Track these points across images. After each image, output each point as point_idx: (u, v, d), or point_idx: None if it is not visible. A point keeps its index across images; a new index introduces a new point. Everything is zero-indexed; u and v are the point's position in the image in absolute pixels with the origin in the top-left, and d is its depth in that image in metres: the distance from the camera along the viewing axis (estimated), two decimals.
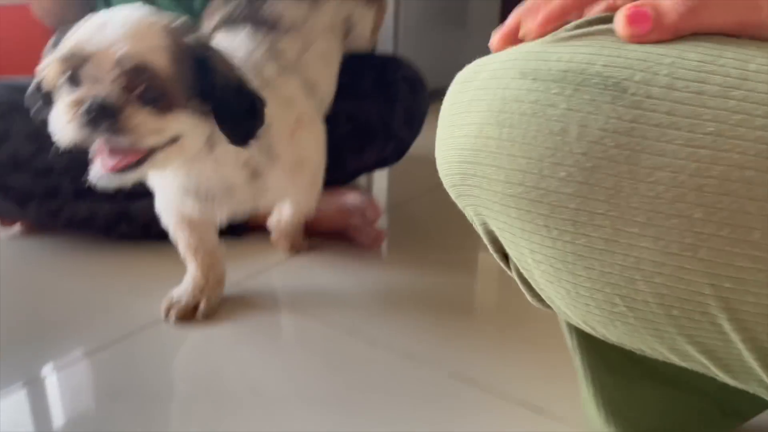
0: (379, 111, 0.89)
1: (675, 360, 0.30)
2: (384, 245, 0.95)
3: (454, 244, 0.97)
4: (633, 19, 0.27)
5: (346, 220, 0.93)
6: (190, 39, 0.58)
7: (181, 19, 0.59)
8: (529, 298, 0.36)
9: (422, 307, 0.78)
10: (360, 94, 0.88)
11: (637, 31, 0.27)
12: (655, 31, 0.27)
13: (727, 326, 0.26)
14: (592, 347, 0.47)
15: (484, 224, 0.33)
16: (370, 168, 0.98)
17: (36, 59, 1.46)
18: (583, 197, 0.26)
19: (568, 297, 0.30)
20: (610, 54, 0.27)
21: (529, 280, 0.33)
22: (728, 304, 0.25)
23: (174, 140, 0.58)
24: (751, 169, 0.23)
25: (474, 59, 0.34)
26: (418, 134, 0.99)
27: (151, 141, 0.56)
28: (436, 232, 1.03)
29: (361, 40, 0.90)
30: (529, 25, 0.31)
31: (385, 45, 1.96)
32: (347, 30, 0.84)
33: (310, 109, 0.72)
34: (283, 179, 0.70)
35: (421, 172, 1.31)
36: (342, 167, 0.90)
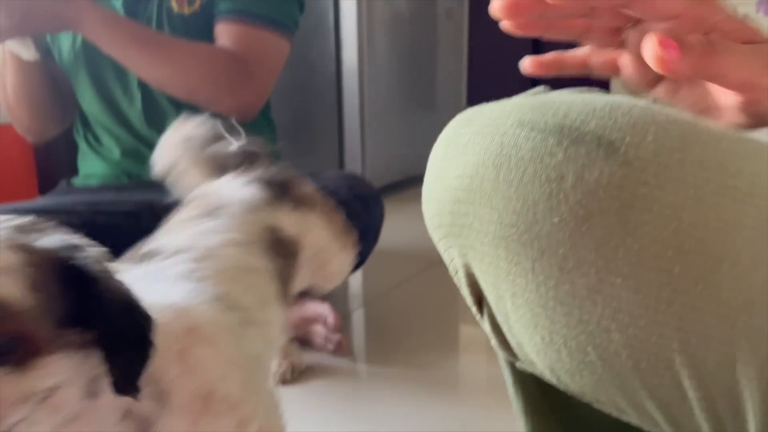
0: None
1: (630, 414, 0.31)
2: (361, 343, 1.00)
3: (431, 342, 1.01)
4: (665, 43, 0.29)
5: (308, 328, 0.99)
6: (51, 242, 0.39)
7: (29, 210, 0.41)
8: (495, 344, 0.37)
9: (390, 420, 0.81)
10: None
11: (667, 55, 0.29)
12: (682, 62, 0.29)
13: (687, 383, 0.27)
14: (541, 415, 0.47)
15: (467, 266, 0.33)
16: None
17: (14, 182, 1.55)
18: (573, 244, 0.28)
19: (541, 343, 0.31)
20: (602, 116, 0.29)
21: (502, 326, 0.34)
22: (692, 361, 0.27)
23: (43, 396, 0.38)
24: (726, 234, 0.26)
25: (438, 136, 0.35)
26: (374, 247, 1.07)
27: (14, 416, 0.37)
28: (412, 327, 1.08)
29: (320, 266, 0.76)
30: None
31: (352, 129, 2.05)
32: (277, 242, 0.66)
33: (215, 320, 0.52)
34: (183, 427, 0.46)
35: (395, 265, 1.38)
36: None
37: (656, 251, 0.26)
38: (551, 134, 0.29)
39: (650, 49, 0.30)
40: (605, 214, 0.27)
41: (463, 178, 0.31)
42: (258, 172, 0.72)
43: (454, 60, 2.46)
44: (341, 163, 2.08)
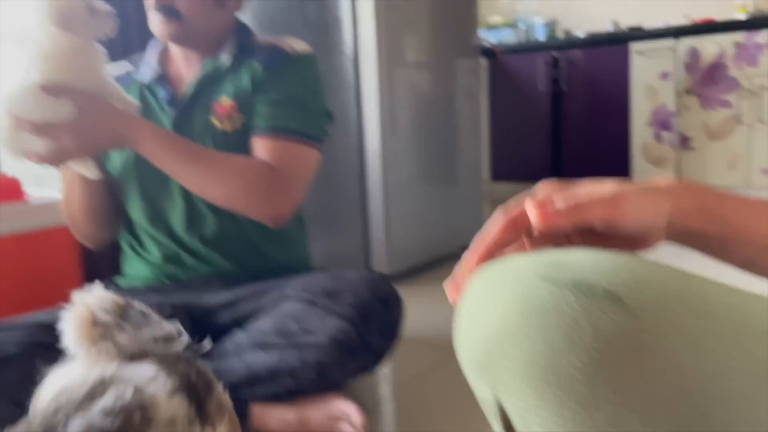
0: (356, 329, 1.02)
1: None
2: None
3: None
4: (539, 204, 0.39)
5: (333, 426, 1.03)
6: None
7: None
8: None
9: None
10: (338, 315, 1.01)
11: (543, 212, 0.39)
12: (554, 214, 0.38)
13: None
14: None
15: (497, 399, 0.37)
16: (352, 377, 1.09)
17: (61, 279, 1.65)
18: (591, 384, 0.32)
19: None
20: (609, 274, 0.34)
21: None
22: None
23: None
24: (720, 376, 0.30)
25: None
26: (395, 344, 1.12)
27: None
28: (440, 418, 1.10)
29: None
30: (468, 263, 0.41)
31: (376, 215, 2.11)
32: None
33: None
34: None
35: (422, 352, 1.41)
36: (326, 379, 1.02)
37: (663, 391, 0.31)
38: (568, 289, 0.34)
39: (532, 210, 0.39)
40: (618, 359, 0.31)
41: (494, 323, 0.36)
42: (179, 370, 0.62)
43: (473, 138, 2.54)
44: (366, 248, 2.14)
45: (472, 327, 0.38)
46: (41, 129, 0.97)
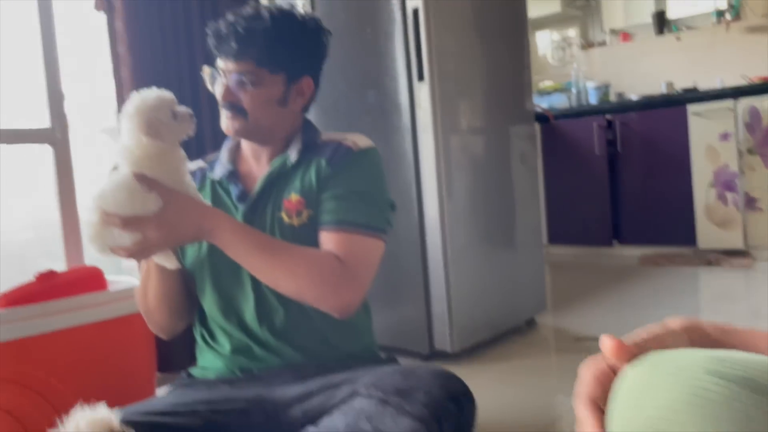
0: (429, 430, 1.01)
1: None
2: None
3: None
4: (612, 339, 0.43)
5: None
6: None
7: None
8: None
9: None
10: (411, 415, 1.01)
11: (618, 346, 0.43)
12: (626, 346, 0.42)
13: None
14: None
15: None
16: None
17: (137, 365, 1.68)
18: None
19: None
20: None
21: None
22: None
23: None
24: None
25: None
26: None
27: None
28: None
29: None
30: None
31: (435, 268, 2.12)
32: None
33: None
34: None
35: None
36: None
37: None
38: (736, 383, 0.36)
39: (608, 345, 0.44)
40: None
41: (661, 411, 0.37)
42: None
43: (532, 203, 2.53)
44: (429, 325, 2.14)
45: (636, 414, 0.40)
46: (129, 222, 1.03)
